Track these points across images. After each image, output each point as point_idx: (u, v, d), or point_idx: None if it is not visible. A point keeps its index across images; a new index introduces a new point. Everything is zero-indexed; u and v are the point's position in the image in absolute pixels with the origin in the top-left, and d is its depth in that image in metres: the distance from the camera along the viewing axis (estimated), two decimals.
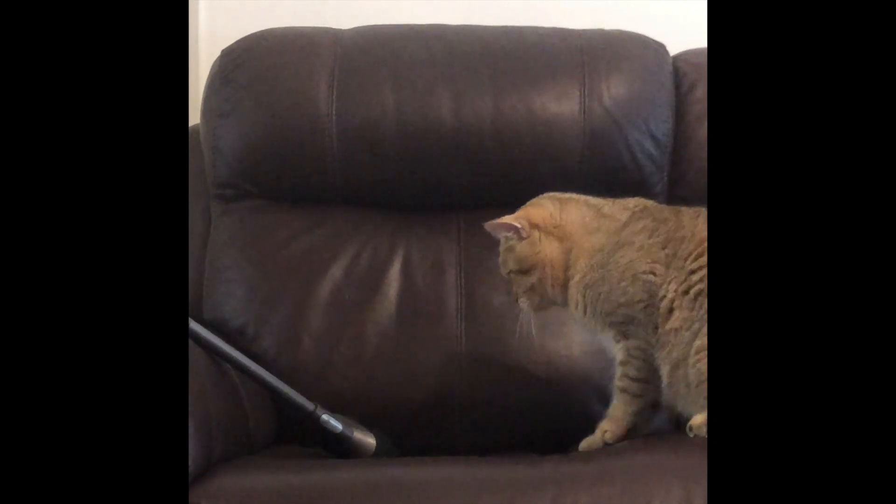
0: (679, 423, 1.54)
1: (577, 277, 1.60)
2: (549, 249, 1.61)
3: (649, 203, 1.65)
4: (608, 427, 1.57)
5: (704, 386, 1.44)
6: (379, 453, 1.68)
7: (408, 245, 1.93)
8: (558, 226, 1.62)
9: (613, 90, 1.92)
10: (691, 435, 1.45)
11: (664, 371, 1.52)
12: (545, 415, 1.72)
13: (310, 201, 1.95)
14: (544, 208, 1.65)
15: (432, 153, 1.91)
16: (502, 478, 1.35)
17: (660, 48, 2.00)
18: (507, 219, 1.64)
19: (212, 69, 1.99)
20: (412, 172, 1.92)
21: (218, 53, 2.00)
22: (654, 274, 1.53)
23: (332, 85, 1.91)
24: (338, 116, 1.90)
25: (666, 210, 1.62)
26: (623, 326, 1.56)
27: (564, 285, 1.61)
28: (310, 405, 1.68)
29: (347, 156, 1.91)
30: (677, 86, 1.98)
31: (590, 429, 1.62)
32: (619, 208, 1.64)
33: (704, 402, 1.44)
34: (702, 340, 1.45)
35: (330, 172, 1.92)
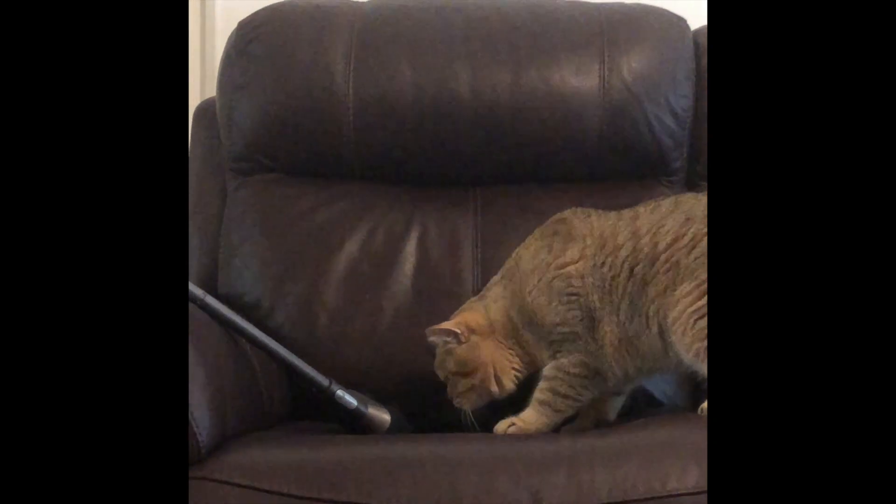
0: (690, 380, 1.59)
1: (518, 325, 1.66)
2: (489, 349, 1.67)
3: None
4: (518, 424, 1.60)
5: (689, 327, 1.49)
6: (393, 429, 1.68)
7: (424, 220, 1.92)
8: (491, 323, 1.68)
9: (633, 64, 1.90)
10: (702, 415, 1.44)
11: (630, 366, 1.59)
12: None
13: (326, 175, 1.94)
14: (476, 311, 1.70)
15: (449, 127, 1.90)
16: (518, 454, 1.34)
17: (680, 22, 1.98)
18: (447, 325, 1.69)
19: (228, 41, 1.98)
20: (429, 147, 1.91)
21: (234, 25, 1.98)
22: (573, 286, 1.61)
23: (349, 58, 1.90)
24: (354, 90, 1.89)
25: (550, 225, 1.70)
26: (560, 345, 1.61)
27: (531, 361, 1.67)
28: (324, 380, 1.67)
29: (364, 129, 1.89)
30: (697, 60, 1.96)
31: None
32: (508, 259, 1.73)
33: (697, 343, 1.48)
34: (666, 291, 1.53)
35: (346, 146, 1.90)
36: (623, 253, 1.58)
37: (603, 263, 1.60)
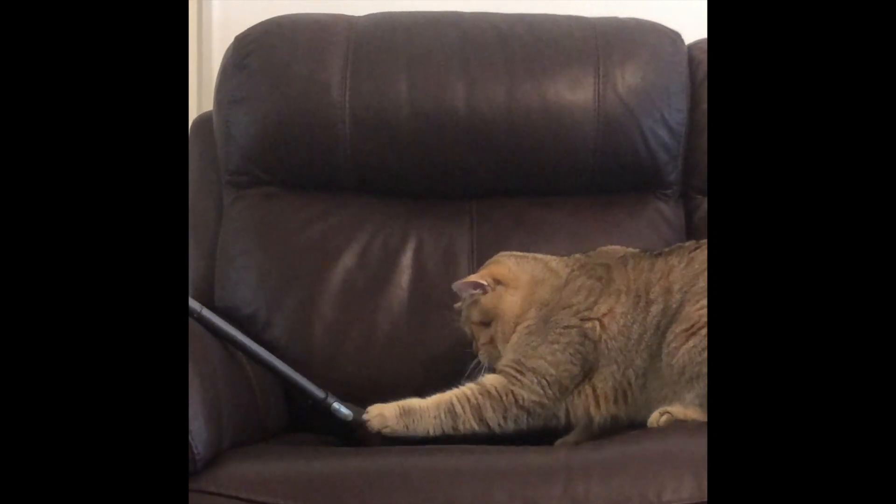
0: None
1: (523, 325, 1.65)
2: (509, 302, 1.67)
3: (588, 258, 1.69)
4: (387, 413, 1.58)
5: (687, 372, 1.49)
6: (389, 442, 1.67)
7: (420, 233, 1.92)
8: (516, 278, 1.68)
9: (628, 78, 1.91)
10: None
11: (614, 414, 1.58)
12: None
13: (322, 188, 1.94)
14: (503, 265, 1.71)
15: (446, 141, 1.91)
16: (514, 467, 1.34)
17: (675, 36, 1.99)
18: (473, 277, 1.70)
19: (225, 55, 1.99)
20: (425, 160, 1.92)
21: (231, 39, 1.99)
22: (585, 347, 1.58)
23: (346, 72, 1.91)
24: (351, 103, 1.90)
25: (599, 268, 1.66)
26: (524, 374, 1.58)
27: (511, 337, 1.66)
28: (321, 393, 1.67)
29: (360, 143, 1.90)
30: (692, 74, 1.97)
31: None
32: (563, 265, 1.69)
33: (687, 387, 1.49)
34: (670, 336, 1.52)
35: (343, 159, 1.91)
36: (654, 310, 1.56)
37: (633, 322, 1.57)
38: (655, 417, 1.49)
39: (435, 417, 1.56)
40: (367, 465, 1.40)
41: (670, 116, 1.92)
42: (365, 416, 1.58)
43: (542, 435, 1.64)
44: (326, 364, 1.82)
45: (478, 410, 1.56)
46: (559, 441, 1.65)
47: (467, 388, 1.58)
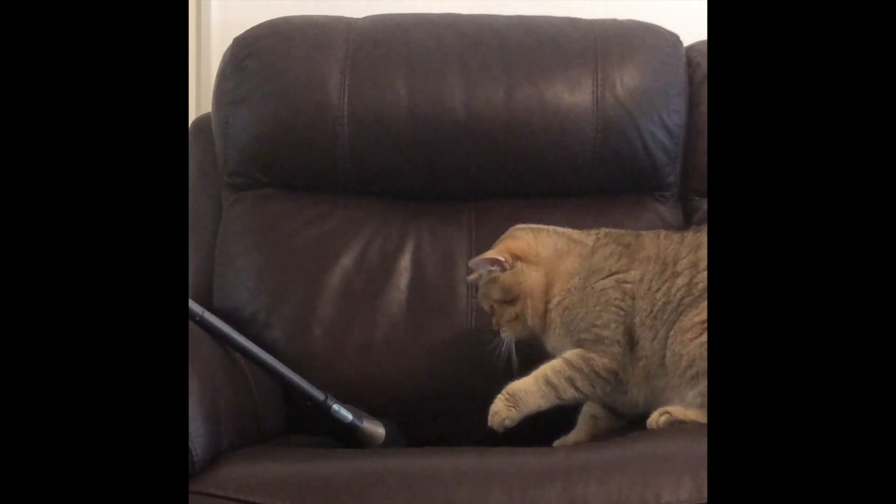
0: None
1: (555, 301, 1.65)
2: (532, 278, 1.66)
3: (612, 230, 1.71)
4: (508, 397, 1.58)
5: (694, 367, 1.49)
6: (388, 443, 1.68)
7: (419, 235, 1.92)
8: (537, 254, 1.67)
9: (626, 80, 1.91)
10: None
11: (633, 384, 1.58)
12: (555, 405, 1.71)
13: (321, 190, 1.94)
14: (522, 239, 1.70)
15: (444, 143, 1.91)
16: (512, 468, 1.34)
17: (673, 38, 1.99)
18: (491, 254, 1.68)
19: (224, 57, 1.99)
20: (424, 162, 1.92)
21: (230, 41, 1.99)
22: (624, 302, 1.59)
23: (344, 73, 1.91)
24: (349, 105, 1.90)
25: (627, 235, 1.68)
26: (593, 344, 1.59)
27: (544, 314, 1.66)
28: (321, 395, 1.67)
29: (359, 145, 1.90)
30: (691, 76, 1.97)
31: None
32: (585, 235, 1.70)
33: (690, 384, 1.49)
34: (679, 325, 1.52)
35: (341, 161, 1.91)
36: (679, 282, 1.57)
37: (658, 289, 1.58)
38: (655, 418, 1.50)
39: (538, 390, 1.58)
40: (365, 467, 1.40)
41: (669, 118, 1.93)
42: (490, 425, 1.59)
43: (541, 435, 1.65)
44: (325, 365, 1.82)
45: (571, 381, 1.58)
46: (557, 441, 1.65)
47: (556, 363, 1.60)
